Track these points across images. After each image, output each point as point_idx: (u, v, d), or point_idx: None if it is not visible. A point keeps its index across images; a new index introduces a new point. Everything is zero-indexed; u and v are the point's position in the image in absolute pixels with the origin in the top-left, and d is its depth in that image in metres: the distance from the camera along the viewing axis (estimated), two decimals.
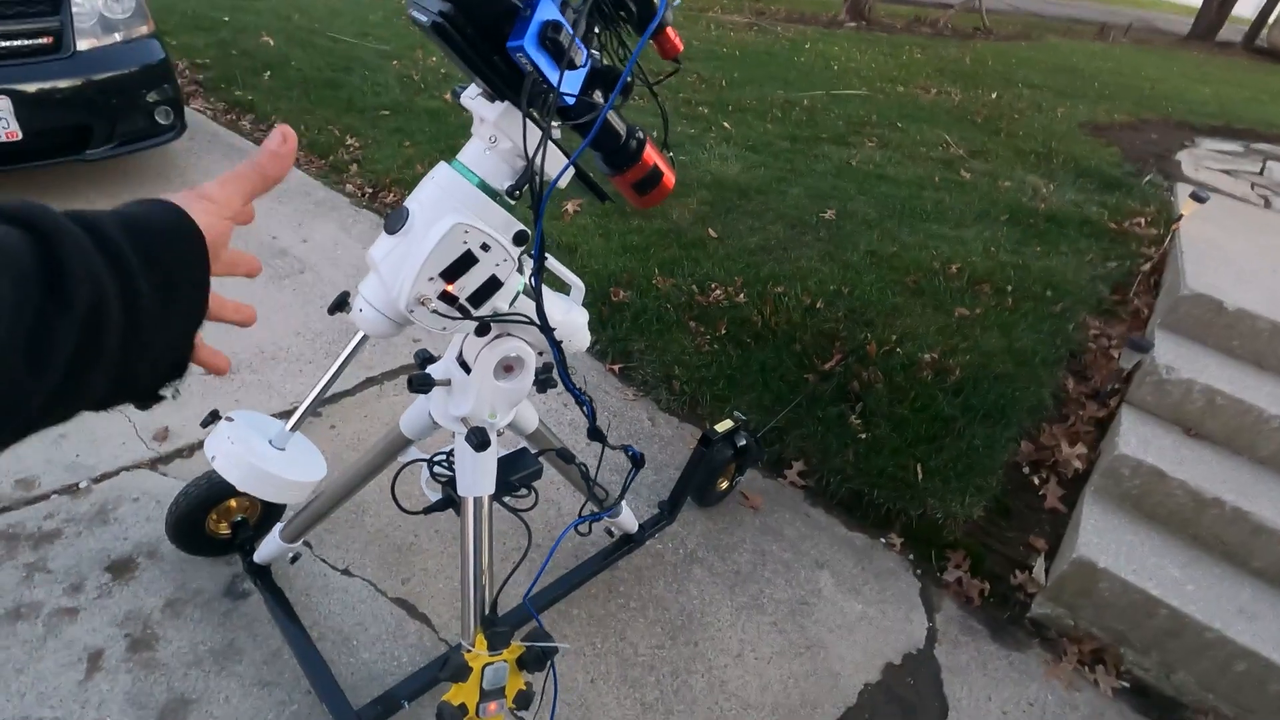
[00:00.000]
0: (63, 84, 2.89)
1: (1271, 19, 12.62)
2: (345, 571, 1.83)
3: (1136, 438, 2.18)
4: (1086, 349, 2.77)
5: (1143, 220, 3.69)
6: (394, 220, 0.94)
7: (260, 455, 0.95)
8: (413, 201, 0.96)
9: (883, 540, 2.19)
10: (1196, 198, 2.97)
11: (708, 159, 4.20)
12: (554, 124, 0.90)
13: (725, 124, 4.84)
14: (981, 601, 2.05)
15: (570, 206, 3.53)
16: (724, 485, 2.16)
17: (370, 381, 2.48)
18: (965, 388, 2.48)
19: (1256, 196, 4.19)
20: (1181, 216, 3.05)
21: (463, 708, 1.10)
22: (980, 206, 3.81)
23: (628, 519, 1.86)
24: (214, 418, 1.01)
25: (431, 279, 0.93)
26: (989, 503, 2.22)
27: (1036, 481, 2.30)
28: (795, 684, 1.76)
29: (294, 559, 1.69)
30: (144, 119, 3.20)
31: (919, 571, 2.11)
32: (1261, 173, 4.74)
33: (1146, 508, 2.10)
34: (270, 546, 1.61)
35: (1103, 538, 1.98)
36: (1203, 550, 2.02)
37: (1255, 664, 1.75)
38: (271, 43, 5.71)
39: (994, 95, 6.37)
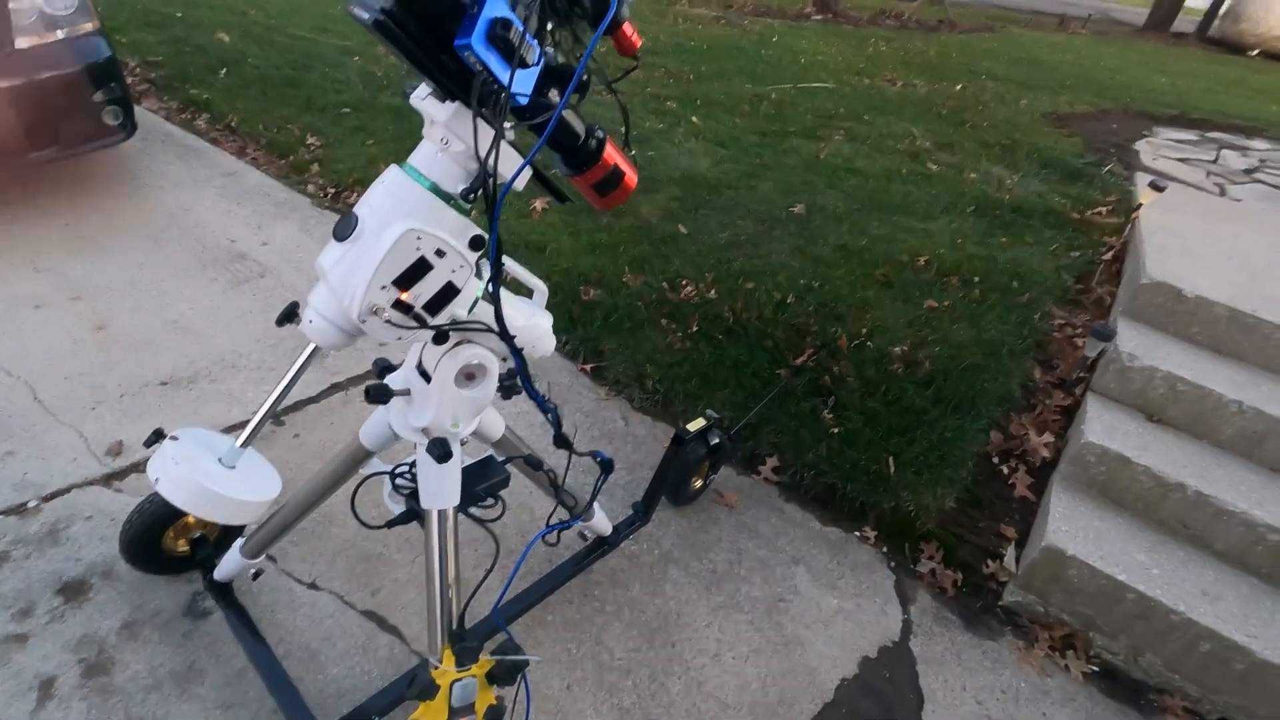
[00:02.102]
0: (2, 84, 2.77)
1: (1222, 10, 12.96)
2: (312, 585, 1.78)
3: (1101, 425, 2.21)
4: (1052, 339, 2.80)
5: (1104, 210, 3.75)
6: (343, 227, 0.90)
7: (208, 475, 0.91)
8: (363, 207, 0.92)
9: (857, 534, 2.19)
10: (1155, 187, 3.03)
11: (676, 154, 4.18)
12: (507, 124, 0.87)
13: (694, 119, 4.83)
14: (955, 592, 2.06)
15: (539, 204, 3.48)
16: (698, 484, 2.15)
17: (335, 388, 2.42)
18: (935, 380, 2.50)
19: (1212, 184, 4.29)
20: (1141, 205, 3.11)
21: None
22: (947, 199, 3.84)
23: (601, 521, 1.84)
24: (157, 437, 0.96)
25: (384, 287, 0.90)
26: (960, 493, 2.24)
27: (1006, 471, 2.33)
28: (773, 682, 1.75)
29: (256, 575, 1.64)
30: (91, 120, 3.08)
31: (893, 564, 2.12)
32: (1216, 161, 4.86)
33: (1113, 494, 2.13)
34: (231, 563, 1.56)
35: (1071, 525, 2.01)
36: (1167, 534, 2.06)
37: (1219, 644, 1.79)
38: (227, 39, 5.55)
39: (959, 87, 6.44)
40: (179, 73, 4.79)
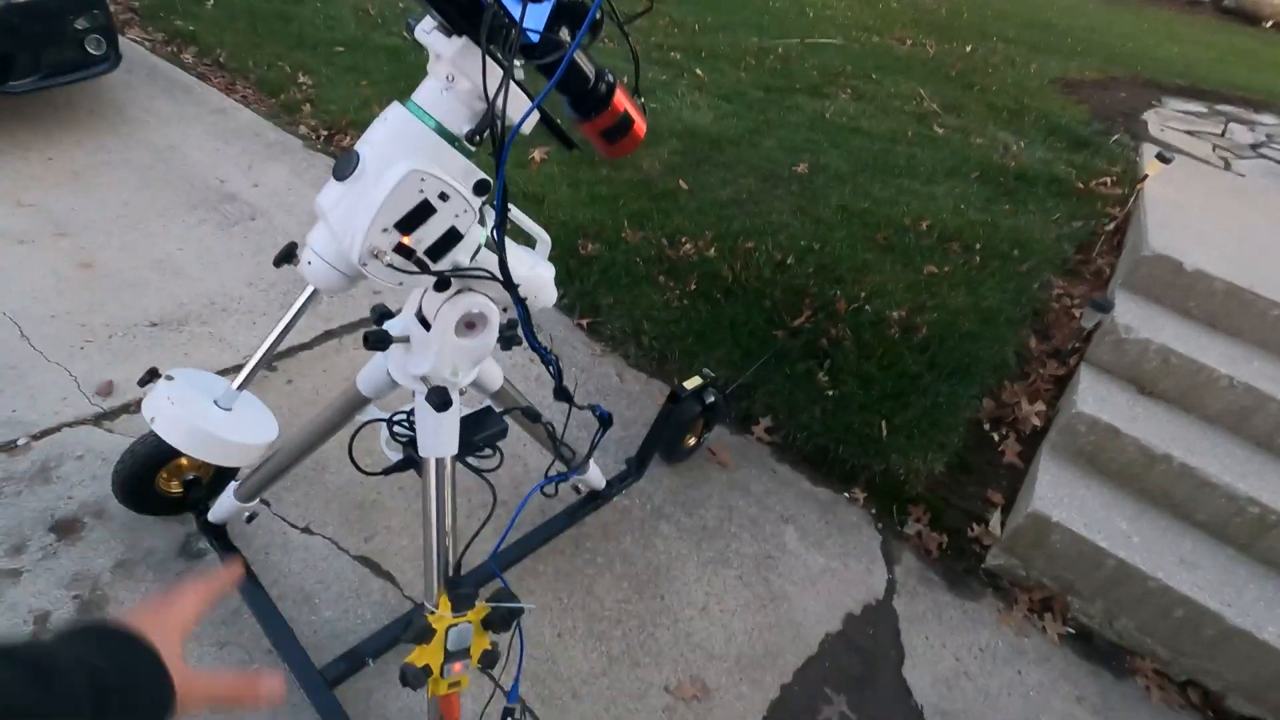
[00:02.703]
0: None
1: None
2: (305, 529, 1.79)
3: (1093, 396, 2.23)
4: (1050, 308, 2.80)
5: (1109, 180, 3.71)
6: (343, 165, 0.87)
7: (204, 417, 0.90)
8: (364, 145, 0.89)
9: (846, 495, 2.22)
10: (1162, 159, 2.99)
11: (679, 107, 4.08)
12: (516, 63, 0.83)
13: (698, 71, 4.70)
14: (939, 554, 2.11)
15: (537, 154, 3.40)
16: (692, 442, 2.16)
17: (329, 335, 2.39)
18: (932, 345, 2.50)
19: (1218, 158, 4.25)
20: (1146, 177, 3.07)
21: (426, 669, 1.09)
22: (952, 163, 3.79)
23: (595, 476, 1.85)
24: (152, 376, 0.95)
25: (386, 230, 0.87)
26: (950, 458, 2.27)
27: (996, 438, 2.35)
28: (759, 635, 1.79)
29: (250, 518, 1.64)
30: (73, 48, 2.96)
31: (880, 525, 2.16)
32: (1223, 134, 4.81)
33: (1100, 463, 2.16)
34: (225, 505, 1.56)
35: (1057, 492, 2.04)
36: (1150, 504, 2.10)
37: (1192, 610, 1.84)
38: None
39: (969, 49, 6.28)
40: (164, 2, 4.59)
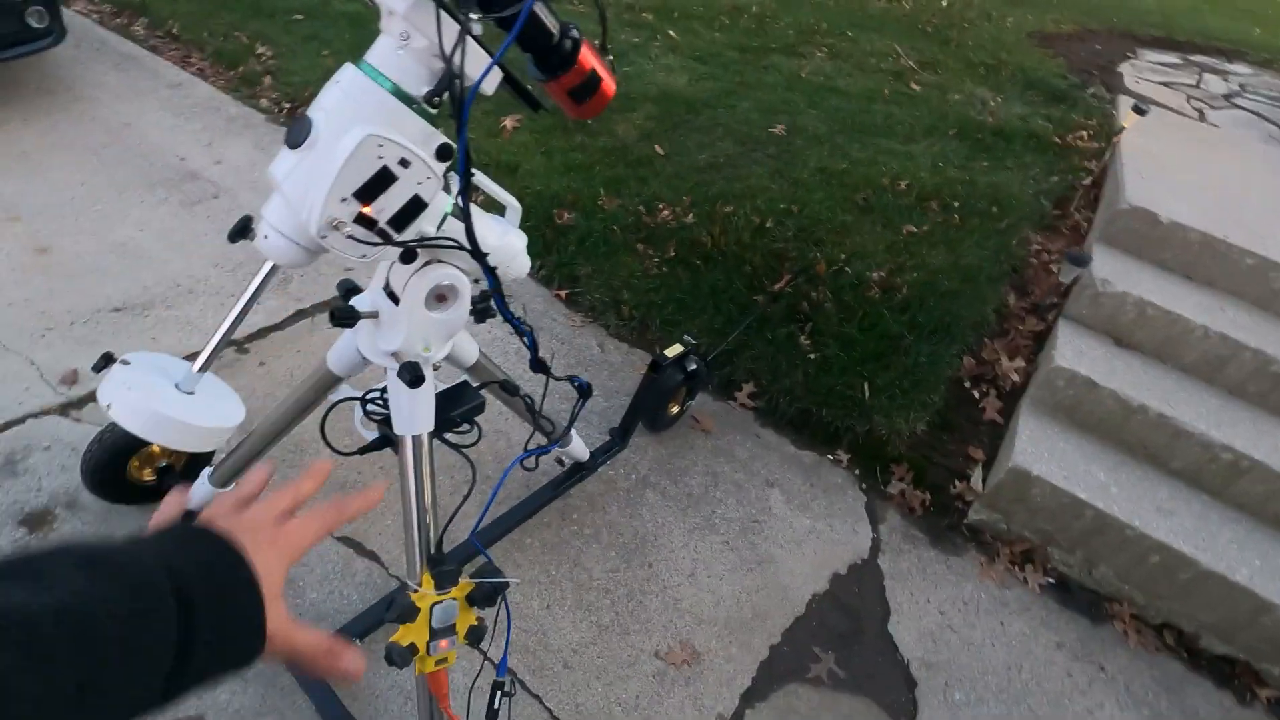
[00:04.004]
0: None
1: None
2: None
3: (1071, 350, 2.24)
4: (1028, 264, 2.81)
5: (1085, 134, 3.70)
6: (295, 132, 0.83)
7: (164, 400, 0.86)
8: (316, 110, 0.84)
9: (830, 457, 2.23)
10: (1138, 110, 2.98)
11: (653, 70, 3.99)
12: (474, 17, 0.79)
13: (671, 32, 4.59)
14: (923, 511, 2.13)
15: (509, 123, 3.32)
16: (675, 410, 2.15)
17: (301, 314, 2.33)
18: (912, 305, 2.49)
19: (1192, 109, 4.25)
20: (1123, 129, 3.06)
21: (412, 647, 1.08)
22: (929, 120, 3.75)
23: (578, 447, 1.84)
24: (107, 361, 0.90)
25: (344, 200, 0.83)
26: (932, 417, 2.28)
27: (977, 395, 2.37)
28: (747, 598, 1.81)
29: None
30: (13, 21, 2.81)
31: (864, 485, 2.17)
32: (1197, 85, 4.80)
33: (1078, 416, 2.19)
34: (200, 491, 1.53)
35: (1037, 446, 2.07)
36: (1127, 454, 2.13)
37: (1168, 556, 1.89)
38: None
39: (944, 3, 6.20)
40: None
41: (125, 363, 0.88)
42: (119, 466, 1.56)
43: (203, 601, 0.41)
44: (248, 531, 0.47)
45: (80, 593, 0.36)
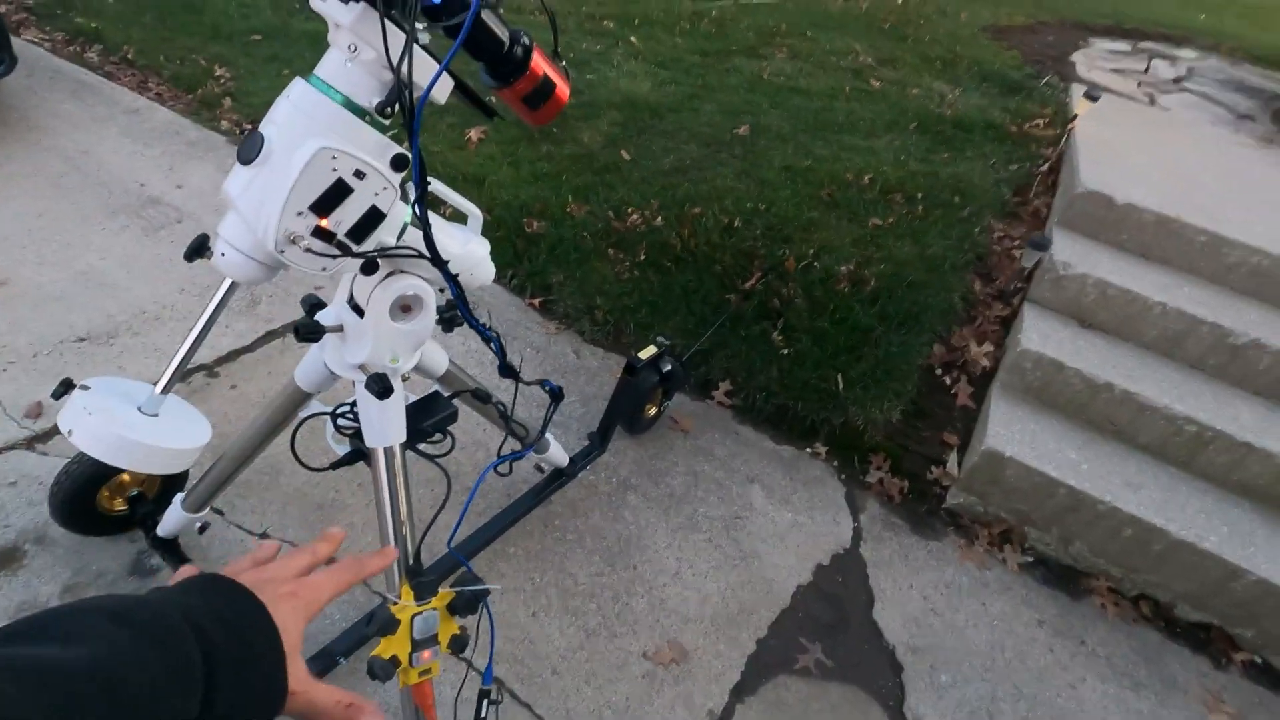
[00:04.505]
0: None
1: None
2: (264, 535, 1.74)
3: (1037, 333, 2.29)
4: (991, 251, 2.86)
5: (1041, 122, 3.79)
6: (248, 148, 0.82)
7: (127, 424, 0.85)
8: (268, 125, 0.84)
9: (809, 451, 2.25)
10: (1090, 97, 3.06)
11: (616, 77, 4.01)
12: (420, 26, 0.79)
13: (632, 39, 4.62)
14: (902, 498, 2.16)
15: (474, 135, 3.32)
16: (652, 411, 2.16)
17: (271, 335, 2.31)
18: (881, 297, 2.53)
19: (1143, 94, 4.37)
20: (1076, 116, 3.14)
21: (394, 660, 1.07)
22: (890, 115, 3.82)
23: (557, 453, 1.84)
24: (66, 388, 0.89)
25: (301, 214, 0.83)
26: (906, 406, 2.32)
27: (948, 382, 2.41)
28: (732, 594, 1.82)
29: (203, 529, 1.59)
30: None
31: (843, 476, 2.20)
32: (1147, 71, 4.94)
33: (1047, 397, 2.23)
34: (174, 518, 1.51)
35: (1009, 429, 2.11)
36: (1095, 432, 2.18)
37: (1140, 528, 1.93)
38: None
39: (900, 1, 6.31)
40: None
41: (85, 387, 0.87)
42: (88, 497, 1.53)
43: (225, 655, 0.42)
44: (267, 585, 0.48)
45: (111, 648, 0.37)
